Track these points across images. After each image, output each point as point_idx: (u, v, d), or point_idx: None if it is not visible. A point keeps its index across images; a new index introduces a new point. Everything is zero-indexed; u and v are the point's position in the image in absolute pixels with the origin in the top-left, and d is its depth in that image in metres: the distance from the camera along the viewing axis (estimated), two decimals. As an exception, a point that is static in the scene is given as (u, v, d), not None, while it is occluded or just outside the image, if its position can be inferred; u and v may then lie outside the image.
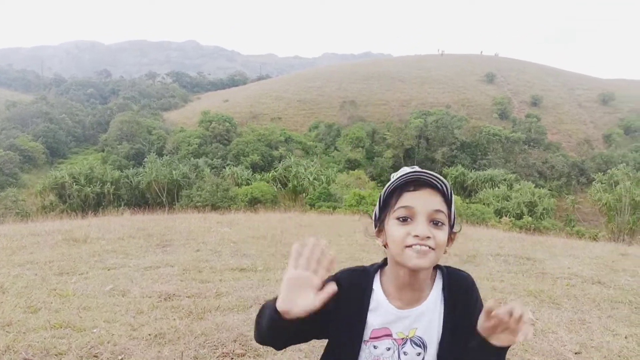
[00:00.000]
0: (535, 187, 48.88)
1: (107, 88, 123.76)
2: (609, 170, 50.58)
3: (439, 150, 63.72)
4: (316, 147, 70.30)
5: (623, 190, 43.90)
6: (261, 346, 3.11)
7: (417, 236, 1.24)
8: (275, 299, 1.21)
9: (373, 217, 1.41)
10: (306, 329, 1.28)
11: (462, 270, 1.43)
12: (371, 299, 1.36)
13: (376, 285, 1.38)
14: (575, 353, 3.17)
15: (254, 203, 34.61)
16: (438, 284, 1.39)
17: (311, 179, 49.04)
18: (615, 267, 6.89)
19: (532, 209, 44.09)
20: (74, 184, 45.62)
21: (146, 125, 72.66)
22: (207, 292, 4.66)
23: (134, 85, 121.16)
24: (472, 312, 1.31)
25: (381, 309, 1.35)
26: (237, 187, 46.14)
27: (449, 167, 61.15)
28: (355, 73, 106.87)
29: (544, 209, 44.25)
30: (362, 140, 65.92)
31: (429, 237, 1.25)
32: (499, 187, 49.28)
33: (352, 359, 1.36)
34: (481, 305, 1.32)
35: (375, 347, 1.35)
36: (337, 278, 1.34)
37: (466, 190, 55.17)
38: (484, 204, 44.62)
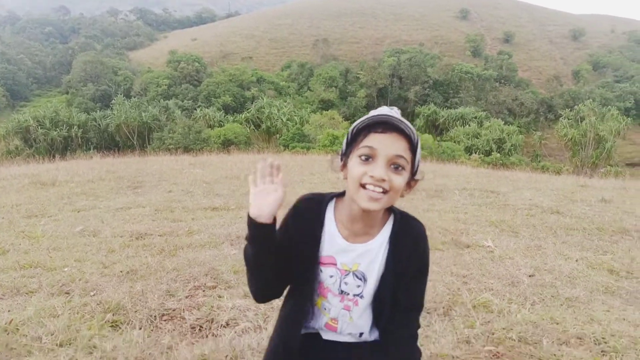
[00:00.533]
0: (504, 124, 49.78)
1: (67, 26, 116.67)
2: (575, 107, 51.67)
3: (411, 89, 63.53)
4: (289, 87, 69.04)
5: (588, 125, 45.19)
6: (232, 278, 3.22)
7: (372, 177, 1.27)
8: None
9: (340, 151, 1.44)
10: (279, 249, 1.38)
11: (415, 219, 1.46)
12: (323, 226, 1.41)
13: (329, 213, 1.43)
14: (529, 276, 3.39)
15: (227, 145, 34.20)
16: (388, 227, 1.42)
17: (284, 119, 48.54)
18: (574, 198, 7.22)
19: (500, 145, 45.11)
20: (39, 127, 43.95)
21: (111, 65, 69.52)
22: (179, 231, 4.70)
23: (95, 23, 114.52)
24: (416, 259, 1.41)
25: (329, 237, 1.41)
26: (210, 129, 45.37)
27: (421, 105, 61.30)
28: (327, 9, 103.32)
29: (512, 146, 45.33)
30: (335, 80, 64.89)
31: (383, 180, 1.27)
32: (469, 125, 49.97)
33: (309, 279, 1.43)
34: (427, 255, 1.43)
35: (321, 271, 1.42)
36: (298, 206, 1.43)
37: (438, 129, 55.74)
38: (454, 141, 45.34)
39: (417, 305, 1.47)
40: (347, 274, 1.40)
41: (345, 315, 1.44)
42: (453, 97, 64.02)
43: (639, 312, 2.70)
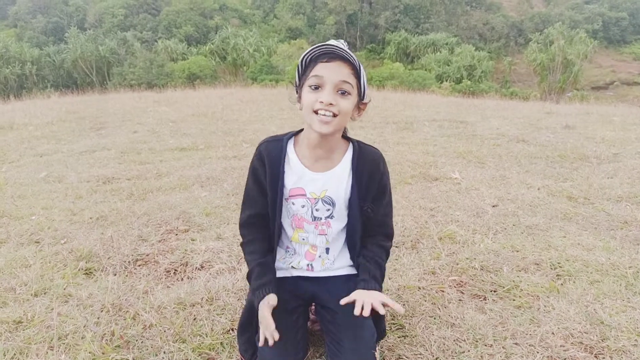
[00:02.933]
0: (475, 50, 49.42)
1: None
2: (545, 30, 51.42)
3: (382, 15, 61.70)
4: (254, 15, 65.93)
5: (557, 49, 45.33)
6: (204, 221, 3.24)
7: (322, 102, 1.40)
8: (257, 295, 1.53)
9: (295, 84, 1.55)
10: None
11: (372, 146, 1.63)
12: (286, 162, 1.56)
13: (290, 149, 1.58)
14: (493, 206, 3.52)
15: (192, 79, 33.01)
16: (349, 154, 1.58)
17: (251, 50, 46.83)
18: (539, 125, 7.40)
19: (471, 72, 45.10)
20: (-11, 65, 41.31)
21: (60, -6, 64.44)
22: (148, 174, 4.63)
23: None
24: (377, 180, 1.59)
25: (294, 169, 1.56)
26: (173, 62, 43.51)
27: (392, 32, 59.87)
28: None
29: (482, 72, 45.39)
30: (302, 7, 62.22)
31: (332, 104, 1.40)
32: (440, 52, 49.41)
33: (278, 214, 1.60)
34: (386, 176, 1.62)
35: (293, 203, 1.59)
36: (259, 149, 1.59)
37: (409, 57, 55.01)
38: (425, 69, 45.00)
39: (385, 229, 1.66)
40: (317, 201, 1.57)
41: (322, 240, 1.64)
42: (424, 22, 62.63)
43: (593, 236, 2.88)
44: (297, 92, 1.53)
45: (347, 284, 1.62)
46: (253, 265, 1.58)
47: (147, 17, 58.57)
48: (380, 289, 1.54)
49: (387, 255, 1.66)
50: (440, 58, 47.43)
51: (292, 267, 1.69)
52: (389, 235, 1.68)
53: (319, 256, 1.68)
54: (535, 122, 7.82)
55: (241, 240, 1.67)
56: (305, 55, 1.44)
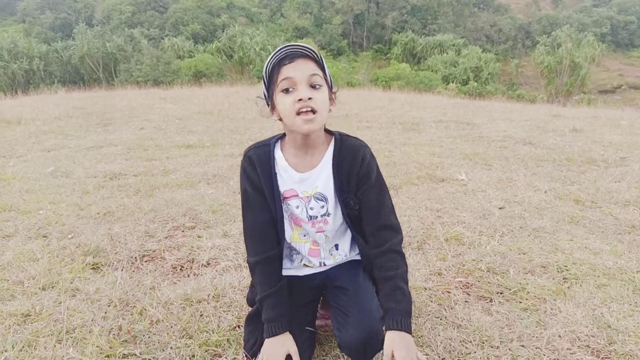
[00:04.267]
0: (482, 51, 49.23)
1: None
2: (553, 33, 51.17)
3: (389, 15, 61.60)
4: (261, 13, 65.95)
5: (564, 52, 45.11)
6: (210, 218, 3.25)
7: (300, 100, 1.41)
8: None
9: (264, 98, 1.56)
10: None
11: (355, 138, 1.62)
12: (276, 166, 1.58)
13: (277, 154, 1.60)
14: (500, 208, 3.51)
15: (198, 77, 33.12)
16: (330, 148, 1.59)
17: (258, 49, 46.84)
18: (546, 128, 7.37)
19: (477, 74, 44.90)
20: (-2, 60, 41.50)
21: (69, -9, 64.71)
22: (154, 170, 4.65)
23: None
24: (357, 168, 1.56)
25: (285, 173, 1.58)
26: (180, 60, 43.60)
27: (398, 32, 59.77)
28: None
29: (489, 74, 45.19)
30: (309, 6, 62.19)
31: (310, 98, 1.41)
32: (447, 53, 49.26)
33: (277, 214, 1.61)
34: (372, 165, 1.58)
35: (289, 204, 1.62)
36: (248, 155, 1.60)
37: (415, 57, 54.89)
38: (432, 71, 44.89)
39: (387, 222, 1.60)
40: (310, 200, 1.59)
41: (321, 237, 1.66)
42: (431, 23, 62.46)
43: (600, 240, 2.86)
44: (267, 104, 1.54)
45: (357, 264, 1.71)
46: (264, 295, 1.57)
47: (154, 15, 58.72)
48: (410, 325, 1.47)
49: (403, 258, 1.58)
50: (447, 59, 47.28)
51: (305, 265, 1.72)
52: (392, 227, 1.59)
53: (330, 254, 1.70)
54: (542, 124, 7.79)
55: (247, 256, 1.64)
56: (266, 66, 1.46)
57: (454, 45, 52.39)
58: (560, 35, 48.58)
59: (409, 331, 1.45)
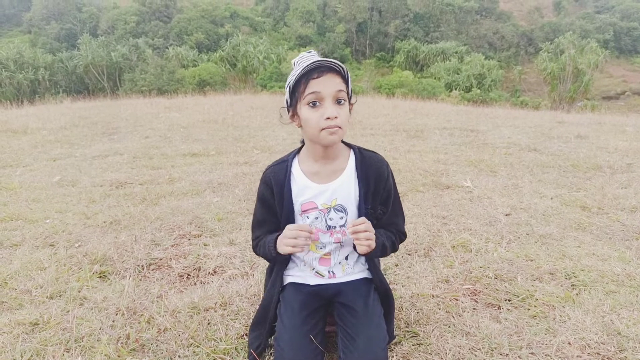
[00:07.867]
0: (485, 58, 49.31)
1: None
2: (556, 39, 51.23)
3: (391, 23, 61.85)
4: (264, 23, 66.40)
5: (567, 58, 45.12)
6: (216, 226, 3.25)
7: (328, 118, 1.45)
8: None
9: (285, 104, 1.59)
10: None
11: (374, 151, 1.69)
12: (292, 182, 1.63)
13: (294, 168, 1.64)
14: (506, 215, 3.50)
15: (202, 86, 33.29)
16: (351, 162, 1.64)
17: (261, 58, 47.08)
18: (551, 135, 7.35)
19: (481, 81, 44.94)
20: (3, 70, 41.81)
21: (74, 2, 65.37)
22: (160, 179, 4.67)
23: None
24: (383, 184, 1.65)
25: (303, 186, 1.62)
26: (184, 69, 43.87)
27: (401, 40, 59.99)
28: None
29: (492, 81, 45.21)
30: (312, 15, 62.57)
31: (336, 117, 1.45)
32: (450, 61, 49.36)
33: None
34: (392, 178, 1.69)
35: (307, 217, 1.65)
36: (266, 174, 1.67)
37: (418, 65, 55.00)
38: (435, 78, 44.96)
39: (399, 229, 1.73)
40: (329, 211, 1.62)
41: (337, 248, 1.70)
42: (434, 31, 62.67)
43: (608, 247, 2.85)
44: (288, 111, 1.58)
45: (369, 284, 1.73)
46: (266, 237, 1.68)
47: (158, 24, 59.16)
48: (381, 246, 1.60)
49: (400, 236, 1.73)
50: (450, 66, 47.34)
51: (317, 272, 1.74)
52: (401, 232, 1.75)
53: (339, 263, 1.73)
54: (547, 131, 7.78)
55: (255, 251, 1.77)
56: (293, 76, 1.49)
57: (456, 52, 52.49)
58: (563, 42, 48.61)
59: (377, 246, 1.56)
